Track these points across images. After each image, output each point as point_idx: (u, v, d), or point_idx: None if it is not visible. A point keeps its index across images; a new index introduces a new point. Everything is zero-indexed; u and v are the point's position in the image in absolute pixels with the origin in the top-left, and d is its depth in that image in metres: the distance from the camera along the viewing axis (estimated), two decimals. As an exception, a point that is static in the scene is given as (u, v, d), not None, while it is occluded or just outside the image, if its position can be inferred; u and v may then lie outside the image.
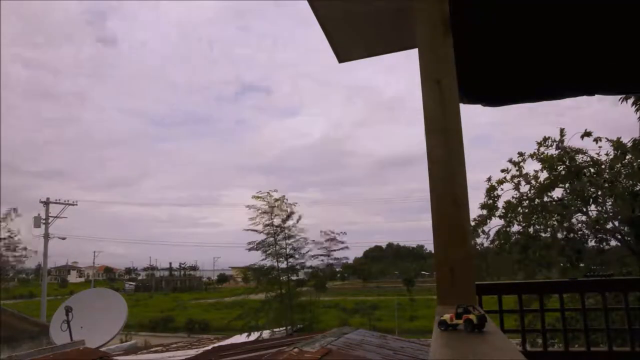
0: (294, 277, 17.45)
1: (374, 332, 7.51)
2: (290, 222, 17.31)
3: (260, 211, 17.04)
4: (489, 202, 10.36)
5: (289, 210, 17.38)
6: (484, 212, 10.38)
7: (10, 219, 29.02)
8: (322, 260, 17.80)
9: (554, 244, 9.70)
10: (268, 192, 17.32)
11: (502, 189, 10.39)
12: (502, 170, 10.42)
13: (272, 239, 17.07)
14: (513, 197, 10.29)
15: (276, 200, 17.34)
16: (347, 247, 17.73)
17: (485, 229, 10.41)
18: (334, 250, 17.66)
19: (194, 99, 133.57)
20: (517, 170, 10.33)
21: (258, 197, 17.16)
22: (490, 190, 10.38)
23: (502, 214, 10.26)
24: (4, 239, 29.03)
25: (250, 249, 16.93)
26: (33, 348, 7.99)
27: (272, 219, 17.14)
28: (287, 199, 17.55)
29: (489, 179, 10.49)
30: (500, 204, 10.35)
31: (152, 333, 37.69)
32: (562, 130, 9.98)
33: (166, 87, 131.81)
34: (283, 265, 17.20)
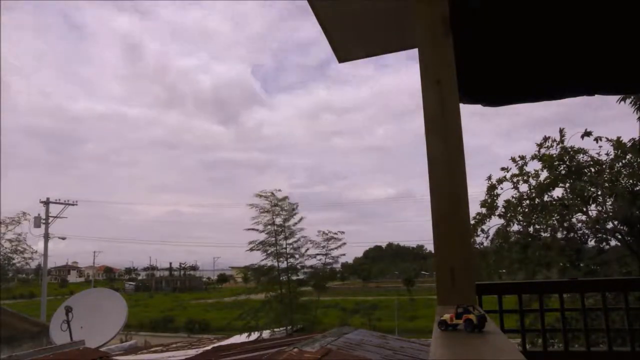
0: (294, 277, 17.44)
1: (374, 332, 7.51)
2: (291, 222, 17.31)
3: (262, 210, 17.03)
4: (488, 200, 10.35)
5: (290, 209, 17.36)
6: (484, 210, 10.37)
7: (19, 222, 29.20)
8: (320, 260, 17.79)
9: (554, 244, 9.70)
10: (272, 192, 17.33)
11: (501, 188, 10.38)
12: (502, 169, 10.40)
13: (272, 238, 17.06)
14: (512, 197, 10.29)
15: (279, 199, 17.33)
16: (344, 243, 17.69)
17: (485, 228, 10.40)
18: (332, 249, 17.66)
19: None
20: (517, 169, 10.31)
21: (261, 196, 17.16)
22: (491, 189, 10.37)
23: (501, 213, 10.25)
24: (11, 240, 29.19)
25: (251, 249, 16.93)
26: (33, 348, 7.99)
27: (273, 218, 17.13)
28: (289, 198, 17.55)
29: (489, 178, 10.49)
30: (500, 202, 10.34)
31: (152, 333, 37.70)
32: (561, 130, 9.99)
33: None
34: (283, 265, 17.20)
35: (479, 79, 2.49)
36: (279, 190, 17.42)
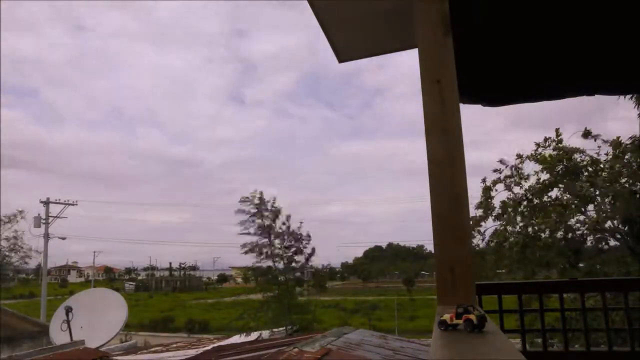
0: (290, 277, 17.47)
1: (374, 332, 7.51)
2: (279, 222, 17.35)
3: (250, 214, 17.07)
4: (484, 202, 10.35)
5: (275, 210, 17.40)
6: (479, 212, 10.37)
7: (16, 221, 29.17)
8: (299, 261, 17.75)
9: (553, 244, 9.69)
10: (253, 194, 17.33)
11: (496, 190, 10.38)
12: (495, 170, 10.38)
13: (266, 239, 17.09)
14: (508, 198, 10.28)
15: (263, 200, 17.35)
16: (309, 237, 17.56)
17: (481, 229, 10.40)
18: (305, 245, 17.61)
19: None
20: (514, 170, 10.30)
21: (245, 200, 17.18)
22: (486, 191, 10.37)
23: (498, 214, 10.25)
24: (8, 239, 29.15)
25: (245, 252, 16.95)
26: (33, 348, 7.98)
27: (262, 219, 17.16)
28: (272, 199, 17.57)
29: (484, 180, 10.50)
30: (496, 204, 10.35)
31: (152, 333, 37.67)
32: (557, 130, 9.98)
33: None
34: (280, 265, 17.24)
35: (479, 79, 2.49)
36: (262, 192, 17.43)
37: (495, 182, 10.33)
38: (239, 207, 17.04)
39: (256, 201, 17.15)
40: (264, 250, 16.95)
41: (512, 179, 10.24)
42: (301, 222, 17.56)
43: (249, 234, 16.88)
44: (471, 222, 10.15)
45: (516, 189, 10.21)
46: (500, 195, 10.36)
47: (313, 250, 17.49)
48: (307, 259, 17.62)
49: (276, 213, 17.30)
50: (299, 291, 17.87)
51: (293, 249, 17.37)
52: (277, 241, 17.18)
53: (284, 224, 17.33)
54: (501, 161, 10.34)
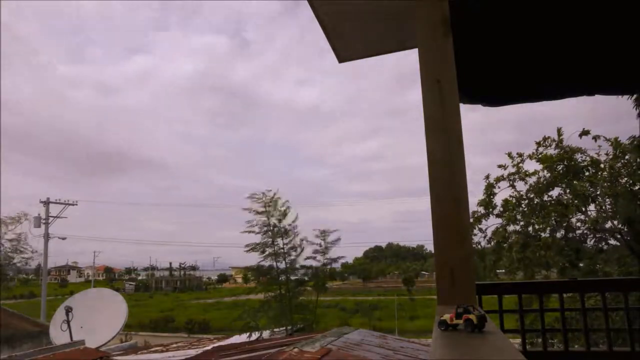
0: (292, 277, 17.45)
1: (374, 332, 7.51)
2: (285, 222, 17.33)
3: (256, 212, 17.05)
4: (487, 199, 10.33)
5: (283, 209, 17.39)
6: (481, 209, 10.36)
7: (19, 222, 29.15)
8: (319, 260, 17.84)
9: (553, 244, 9.69)
10: (263, 193, 17.36)
11: (499, 187, 10.37)
12: (500, 166, 10.36)
13: (269, 239, 17.07)
14: (510, 196, 10.27)
15: (271, 199, 17.34)
16: (338, 239, 17.83)
17: (482, 227, 10.39)
18: (330, 247, 17.73)
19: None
20: (513, 167, 10.30)
21: (253, 198, 17.19)
22: (489, 188, 10.36)
23: (499, 212, 10.24)
24: (12, 240, 29.13)
25: (248, 251, 16.94)
26: (33, 348, 7.98)
27: (268, 219, 17.14)
28: (280, 198, 17.55)
29: (487, 177, 10.48)
30: (498, 201, 10.34)
31: (152, 333, 37.67)
32: (559, 130, 9.98)
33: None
34: (282, 265, 17.22)
35: (479, 79, 2.49)
36: (270, 190, 17.43)
37: (498, 179, 10.33)
38: (244, 206, 17.06)
39: (264, 199, 17.17)
40: (267, 249, 16.96)
41: (517, 175, 10.22)
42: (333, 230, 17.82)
43: (253, 232, 16.90)
44: (472, 220, 10.16)
45: (519, 186, 10.19)
46: (503, 192, 10.35)
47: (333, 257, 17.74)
48: (331, 261, 17.82)
49: (284, 213, 17.31)
50: (303, 290, 17.86)
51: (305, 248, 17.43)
52: (282, 241, 17.19)
53: (290, 224, 17.35)
54: (509, 154, 10.29)
